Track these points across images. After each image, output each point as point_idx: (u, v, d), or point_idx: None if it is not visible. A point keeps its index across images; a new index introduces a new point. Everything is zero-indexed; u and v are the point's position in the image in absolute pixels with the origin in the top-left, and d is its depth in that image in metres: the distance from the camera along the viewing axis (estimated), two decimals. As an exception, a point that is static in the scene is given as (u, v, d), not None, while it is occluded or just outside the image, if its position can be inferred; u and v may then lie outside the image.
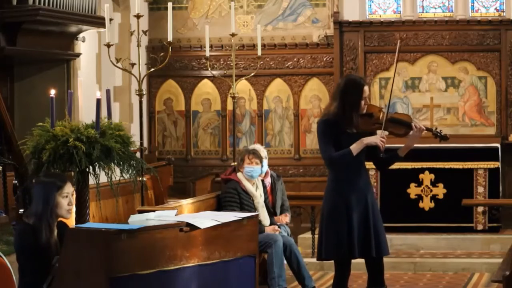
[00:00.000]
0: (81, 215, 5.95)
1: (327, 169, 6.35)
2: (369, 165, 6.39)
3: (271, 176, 8.84)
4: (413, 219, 10.96)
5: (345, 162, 6.19)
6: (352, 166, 6.20)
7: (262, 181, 8.49)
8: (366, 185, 6.32)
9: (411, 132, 6.24)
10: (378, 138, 6.14)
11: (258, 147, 8.72)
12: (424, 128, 6.26)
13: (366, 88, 6.22)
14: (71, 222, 5.70)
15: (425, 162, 10.99)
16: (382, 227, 6.37)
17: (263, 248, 7.89)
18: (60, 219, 5.36)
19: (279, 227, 8.35)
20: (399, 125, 6.26)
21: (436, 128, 6.45)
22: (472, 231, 10.98)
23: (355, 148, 6.14)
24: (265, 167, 8.59)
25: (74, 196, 5.41)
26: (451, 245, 10.70)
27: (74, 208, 5.55)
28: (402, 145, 6.31)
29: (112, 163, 6.08)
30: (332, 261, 6.37)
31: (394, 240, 10.39)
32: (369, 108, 6.25)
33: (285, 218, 8.68)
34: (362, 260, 6.38)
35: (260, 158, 8.32)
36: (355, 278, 8.48)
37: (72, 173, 5.98)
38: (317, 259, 6.43)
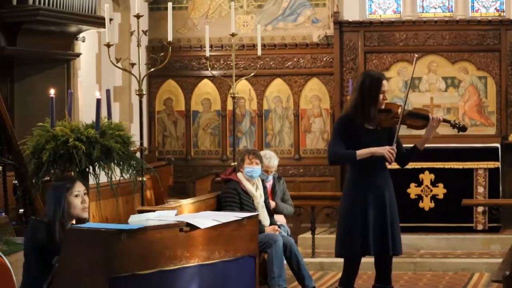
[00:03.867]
0: (81, 215, 5.94)
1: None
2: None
3: (272, 177, 8.86)
4: (413, 219, 10.94)
5: (346, 162, 6.24)
6: (371, 163, 6.24)
7: (262, 181, 8.49)
8: (385, 183, 6.37)
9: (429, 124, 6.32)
10: (386, 150, 6.19)
11: (270, 154, 8.78)
12: (442, 119, 6.32)
13: (385, 82, 6.28)
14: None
15: (425, 162, 10.98)
16: (399, 226, 6.41)
17: (263, 248, 7.89)
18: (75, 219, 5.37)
19: (279, 227, 8.35)
20: (417, 117, 6.37)
21: (454, 120, 6.51)
22: (472, 231, 10.97)
23: (361, 153, 6.20)
24: (271, 177, 8.79)
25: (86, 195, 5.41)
26: (451, 245, 10.69)
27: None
28: None
29: (112, 163, 6.09)
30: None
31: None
32: (388, 105, 6.33)
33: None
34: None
35: (260, 158, 8.32)
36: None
37: (72, 173, 5.98)
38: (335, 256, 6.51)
